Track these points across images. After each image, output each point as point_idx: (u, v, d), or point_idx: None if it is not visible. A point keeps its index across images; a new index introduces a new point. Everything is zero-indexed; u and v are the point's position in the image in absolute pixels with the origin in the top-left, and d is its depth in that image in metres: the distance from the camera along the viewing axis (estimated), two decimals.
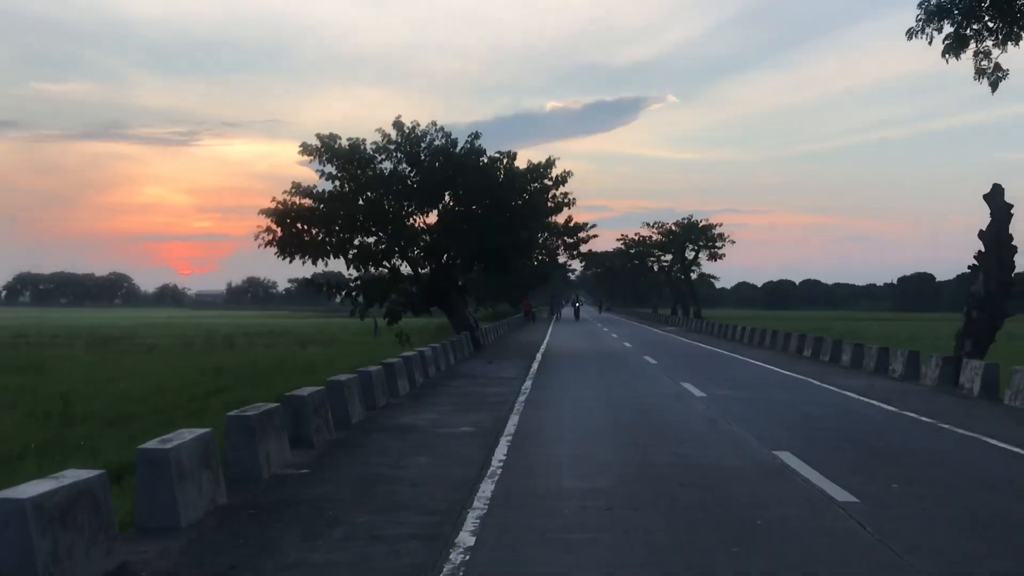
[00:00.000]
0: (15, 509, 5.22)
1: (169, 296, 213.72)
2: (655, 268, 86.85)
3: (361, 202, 30.59)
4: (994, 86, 16.91)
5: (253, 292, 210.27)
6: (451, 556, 6.34)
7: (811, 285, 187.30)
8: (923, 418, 14.20)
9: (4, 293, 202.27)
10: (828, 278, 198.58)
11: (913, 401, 16.54)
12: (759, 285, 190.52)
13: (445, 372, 22.50)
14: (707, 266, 79.08)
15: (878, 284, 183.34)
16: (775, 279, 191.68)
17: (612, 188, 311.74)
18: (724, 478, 9.20)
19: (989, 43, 16.89)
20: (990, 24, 16.65)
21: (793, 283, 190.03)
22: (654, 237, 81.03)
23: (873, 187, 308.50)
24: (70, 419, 13.82)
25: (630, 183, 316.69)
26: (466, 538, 6.78)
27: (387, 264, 32.26)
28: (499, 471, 9.45)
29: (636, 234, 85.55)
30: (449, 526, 7.15)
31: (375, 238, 31.54)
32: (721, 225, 78.85)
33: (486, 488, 8.56)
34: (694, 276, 78.74)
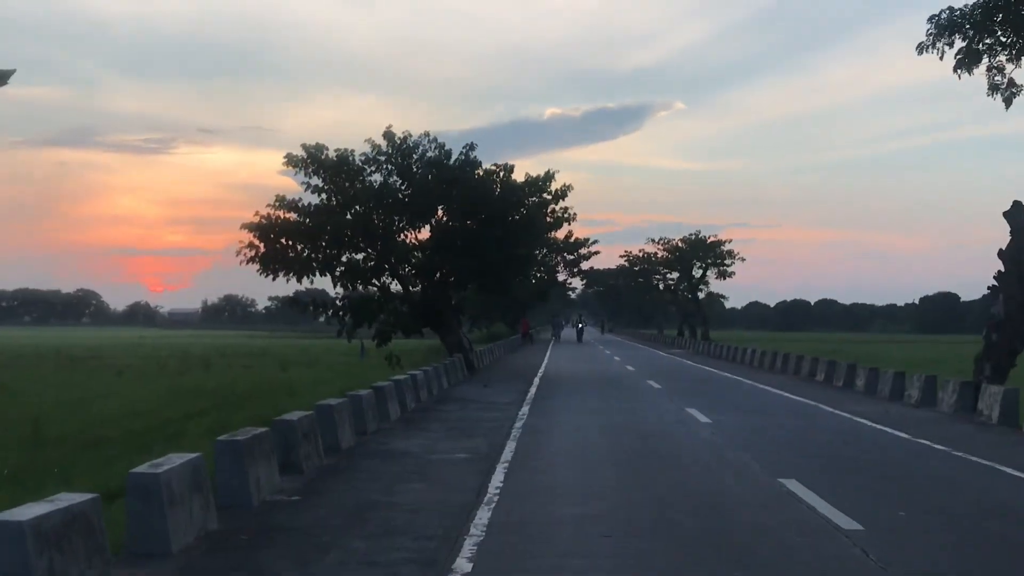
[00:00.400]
0: (14, 531, 5.60)
1: (140, 314, 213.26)
2: (660, 287, 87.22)
3: (349, 216, 30.92)
4: (1008, 102, 17.37)
5: (230, 310, 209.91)
6: None
7: (827, 305, 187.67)
8: (937, 445, 14.59)
9: None
10: (845, 297, 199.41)
11: (928, 428, 16.94)
12: (771, 305, 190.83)
13: (438, 396, 22.85)
14: (716, 284, 79.44)
15: (899, 304, 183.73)
16: (788, 298, 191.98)
17: (614, 200, 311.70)
18: (727, 505, 9.61)
19: (1002, 58, 17.36)
20: (1003, 39, 17.11)
21: (808, 303, 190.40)
22: (659, 254, 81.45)
23: (893, 201, 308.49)
24: (42, 443, 14.07)
25: (634, 195, 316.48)
26: (463, 564, 7.15)
27: (376, 282, 32.52)
28: (496, 498, 9.83)
29: (640, 250, 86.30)
30: (446, 552, 7.52)
31: (364, 255, 31.86)
32: (730, 241, 79.15)
33: (483, 514, 8.94)
34: (702, 295, 79.02)
